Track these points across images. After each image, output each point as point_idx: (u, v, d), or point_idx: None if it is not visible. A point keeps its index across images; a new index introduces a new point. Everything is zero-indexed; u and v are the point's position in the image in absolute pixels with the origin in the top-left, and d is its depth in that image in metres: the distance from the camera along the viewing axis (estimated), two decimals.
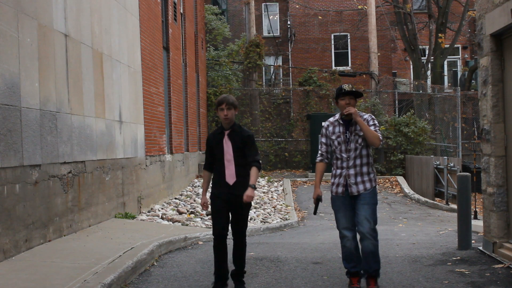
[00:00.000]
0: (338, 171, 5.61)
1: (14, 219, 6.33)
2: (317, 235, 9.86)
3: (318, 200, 5.71)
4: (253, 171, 5.51)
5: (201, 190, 9.98)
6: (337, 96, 5.62)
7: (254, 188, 5.48)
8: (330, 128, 5.68)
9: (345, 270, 5.80)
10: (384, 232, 10.14)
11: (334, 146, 5.63)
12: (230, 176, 5.50)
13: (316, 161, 5.82)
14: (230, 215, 5.61)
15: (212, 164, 5.71)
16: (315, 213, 5.85)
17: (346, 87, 5.60)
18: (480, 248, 7.62)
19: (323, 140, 5.74)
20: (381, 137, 5.52)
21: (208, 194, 5.79)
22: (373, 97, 23.12)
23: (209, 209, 5.75)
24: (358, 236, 5.59)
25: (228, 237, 5.59)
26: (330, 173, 5.76)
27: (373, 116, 5.65)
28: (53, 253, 6.59)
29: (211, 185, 5.76)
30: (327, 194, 6.13)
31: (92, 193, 8.72)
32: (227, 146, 5.53)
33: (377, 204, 5.63)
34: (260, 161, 5.67)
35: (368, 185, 5.54)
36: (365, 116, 5.59)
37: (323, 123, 5.94)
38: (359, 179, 5.53)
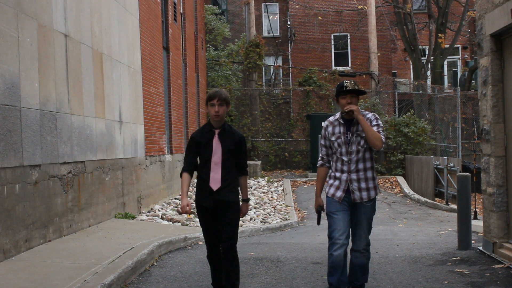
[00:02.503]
0: (338, 174, 5.11)
1: (14, 219, 6.33)
2: (317, 235, 9.85)
3: (320, 210, 5.36)
4: (245, 182, 5.15)
5: None
6: (338, 94, 5.07)
7: (248, 201, 5.18)
8: (330, 129, 5.17)
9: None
10: (384, 232, 10.14)
11: (334, 148, 5.12)
12: (215, 181, 4.97)
13: (317, 165, 5.35)
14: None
15: (194, 165, 5.13)
16: (318, 223, 5.47)
17: (348, 84, 5.02)
18: (480, 248, 7.62)
19: (322, 142, 5.24)
20: (383, 139, 5.01)
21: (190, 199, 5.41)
22: (373, 97, 23.12)
23: (191, 210, 5.32)
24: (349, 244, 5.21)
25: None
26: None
27: (377, 116, 5.14)
28: (53, 253, 6.59)
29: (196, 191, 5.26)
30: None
31: (92, 193, 8.72)
32: (217, 147, 5.00)
33: (375, 212, 5.28)
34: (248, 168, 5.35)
35: (372, 194, 5.12)
36: (368, 116, 5.09)
37: (322, 123, 5.38)
38: (363, 185, 5.07)
